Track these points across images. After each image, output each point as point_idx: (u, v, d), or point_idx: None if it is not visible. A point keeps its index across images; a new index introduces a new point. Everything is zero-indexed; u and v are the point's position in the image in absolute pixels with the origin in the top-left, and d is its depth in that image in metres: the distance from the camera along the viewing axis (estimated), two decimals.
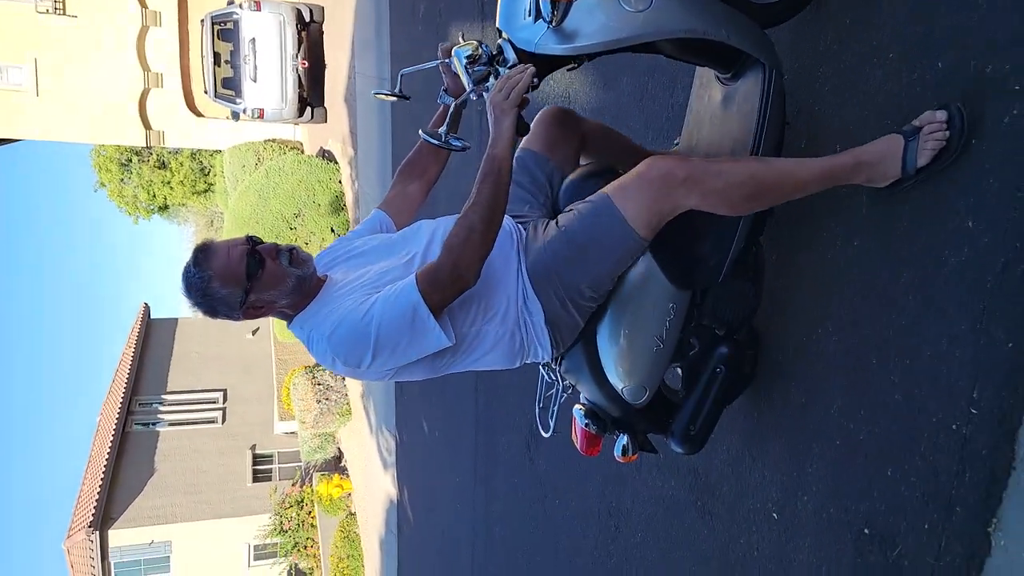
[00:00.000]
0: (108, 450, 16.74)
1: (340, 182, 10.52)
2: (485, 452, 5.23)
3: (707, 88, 1.87)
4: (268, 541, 17.04)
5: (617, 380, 1.84)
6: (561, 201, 1.84)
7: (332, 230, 9.97)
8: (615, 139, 2.07)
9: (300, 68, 11.12)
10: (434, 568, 7.58)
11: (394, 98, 1.92)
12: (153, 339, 20.88)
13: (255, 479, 18.14)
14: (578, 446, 2.00)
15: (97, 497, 15.97)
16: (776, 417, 2.10)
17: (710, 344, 1.92)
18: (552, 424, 2.08)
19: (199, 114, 13.34)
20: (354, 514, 12.67)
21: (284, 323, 1.74)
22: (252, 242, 1.63)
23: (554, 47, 1.53)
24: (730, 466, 2.30)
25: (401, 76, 1.91)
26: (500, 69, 1.63)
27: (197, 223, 29.09)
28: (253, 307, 1.63)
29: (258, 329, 20.84)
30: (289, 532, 16.05)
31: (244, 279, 1.58)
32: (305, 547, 16.03)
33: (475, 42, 1.64)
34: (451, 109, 1.65)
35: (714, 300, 1.84)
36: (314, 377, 11.47)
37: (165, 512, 16.85)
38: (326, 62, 11.65)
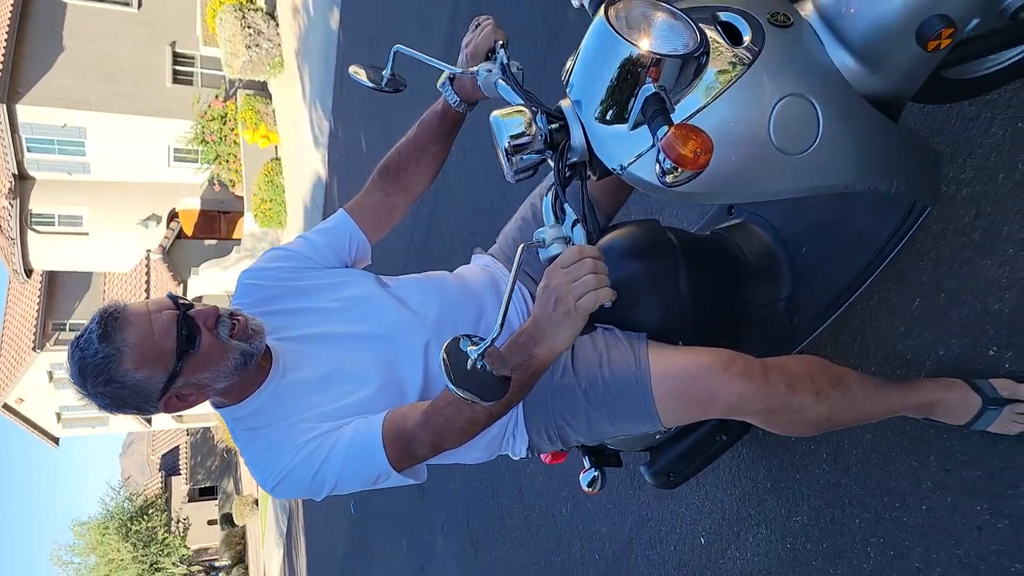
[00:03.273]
0: (10, 11, 15.11)
1: None
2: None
3: None
4: (189, 147, 16.84)
5: None
6: None
7: None
8: None
9: None
10: None
11: (373, 85, 1.41)
12: None
13: (175, 80, 17.22)
14: (543, 457, 1.93)
15: (1, 63, 14.82)
16: None
17: None
18: None
19: None
20: (279, 160, 12.39)
21: None
22: (181, 305, 1.24)
23: (653, 181, 1.05)
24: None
25: (394, 54, 1.37)
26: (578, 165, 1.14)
27: None
28: (178, 396, 1.26)
29: None
30: (211, 144, 15.84)
31: (172, 357, 1.20)
32: (227, 161, 16.01)
33: (526, 111, 1.11)
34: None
35: None
36: (244, 17, 10.13)
37: (78, 96, 16.09)
38: None
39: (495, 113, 1.12)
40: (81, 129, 16.50)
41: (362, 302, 1.44)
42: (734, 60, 1.10)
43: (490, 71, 1.28)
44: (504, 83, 1.25)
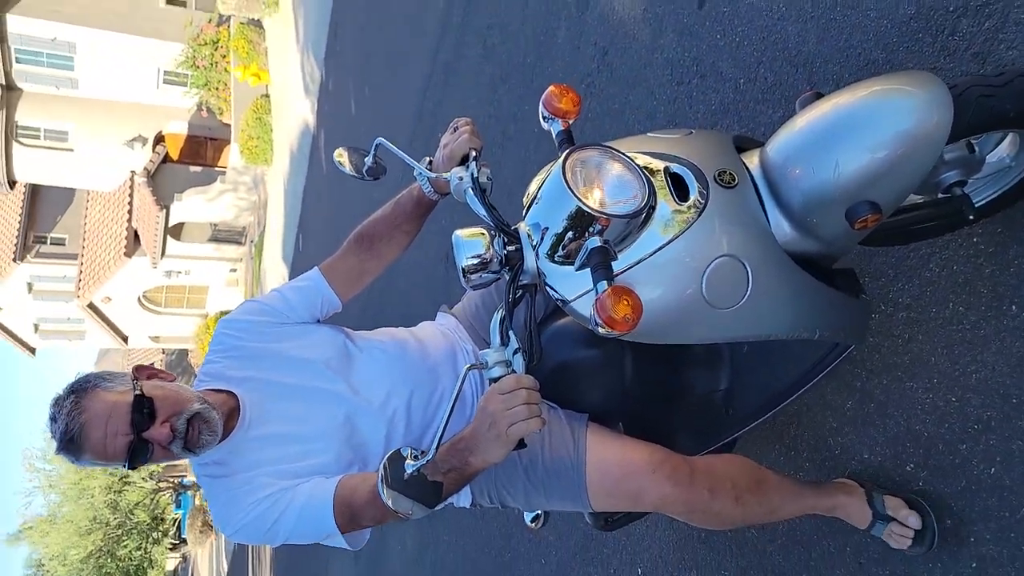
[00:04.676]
0: None
1: None
2: None
3: None
4: (180, 71, 16.50)
5: None
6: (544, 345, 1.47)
7: None
8: None
9: None
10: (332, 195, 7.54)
11: (355, 174, 1.47)
12: None
13: (169, 1, 16.72)
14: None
15: None
16: None
17: None
18: None
19: None
20: (268, 97, 12.17)
21: None
22: (139, 422, 1.32)
23: (589, 319, 1.09)
24: None
25: (376, 146, 1.42)
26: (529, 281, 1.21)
27: None
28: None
29: None
30: (201, 70, 15.53)
31: (124, 463, 1.37)
32: (216, 88, 15.71)
33: (487, 234, 1.18)
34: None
35: None
36: None
37: (70, 10, 15.63)
38: None
39: (458, 233, 1.19)
40: (71, 44, 16.07)
41: (330, 361, 1.51)
42: (677, 216, 1.14)
43: (461, 179, 1.33)
44: (472, 193, 1.30)
